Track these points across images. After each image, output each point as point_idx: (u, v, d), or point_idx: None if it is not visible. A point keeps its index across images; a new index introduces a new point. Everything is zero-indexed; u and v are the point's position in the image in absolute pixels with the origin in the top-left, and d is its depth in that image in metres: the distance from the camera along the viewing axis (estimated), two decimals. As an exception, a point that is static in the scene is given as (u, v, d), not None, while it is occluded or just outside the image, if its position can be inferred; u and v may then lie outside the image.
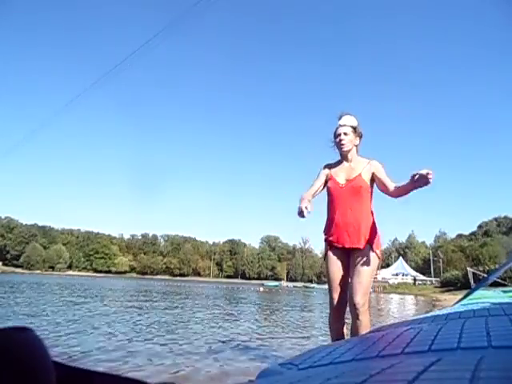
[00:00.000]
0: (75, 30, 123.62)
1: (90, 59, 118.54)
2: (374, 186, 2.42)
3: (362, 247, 2.28)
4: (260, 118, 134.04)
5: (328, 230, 2.43)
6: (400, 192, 2.20)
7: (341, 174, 2.42)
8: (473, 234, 70.82)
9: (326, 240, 2.44)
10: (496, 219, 71.93)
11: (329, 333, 2.50)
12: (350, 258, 2.35)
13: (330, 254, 2.39)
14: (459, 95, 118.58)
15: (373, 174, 2.37)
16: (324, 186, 2.48)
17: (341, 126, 2.40)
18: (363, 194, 2.34)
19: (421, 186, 1.98)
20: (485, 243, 50.36)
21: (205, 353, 3.18)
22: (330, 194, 2.44)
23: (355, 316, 2.23)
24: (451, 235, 76.44)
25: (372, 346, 0.90)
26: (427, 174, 1.89)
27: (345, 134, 2.37)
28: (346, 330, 2.39)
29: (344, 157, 2.45)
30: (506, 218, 69.58)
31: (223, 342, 3.82)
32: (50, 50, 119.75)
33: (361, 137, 2.44)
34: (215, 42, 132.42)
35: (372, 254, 2.29)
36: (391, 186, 2.28)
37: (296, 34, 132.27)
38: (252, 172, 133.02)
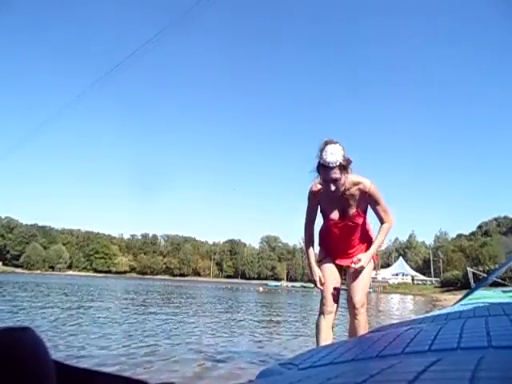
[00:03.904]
0: (75, 30, 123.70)
1: (89, 59, 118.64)
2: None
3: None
4: (260, 118, 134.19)
5: (324, 248, 2.43)
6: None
7: (334, 209, 2.23)
8: (473, 234, 70.80)
9: (320, 247, 2.46)
10: (496, 219, 71.92)
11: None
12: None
13: (325, 259, 2.40)
14: (458, 95, 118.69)
15: (368, 204, 2.25)
16: (317, 212, 2.37)
17: (327, 167, 2.00)
18: (361, 226, 2.29)
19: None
20: (485, 243, 50.36)
21: (204, 353, 3.18)
22: (325, 229, 2.38)
23: (353, 316, 2.24)
24: (451, 235, 76.52)
25: (372, 346, 0.90)
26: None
27: (335, 180, 2.03)
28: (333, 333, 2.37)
29: None
30: (505, 218, 69.54)
31: (223, 341, 3.82)
32: (50, 50, 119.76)
33: (350, 163, 2.10)
34: (215, 42, 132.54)
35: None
36: (384, 220, 2.25)
37: (296, 34, 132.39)
38: (252, 172, 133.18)
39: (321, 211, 2.34)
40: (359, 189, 2.14)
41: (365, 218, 2.31)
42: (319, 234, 2.47)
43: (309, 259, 2.38)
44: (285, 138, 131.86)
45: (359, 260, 2.17)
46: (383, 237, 2.28)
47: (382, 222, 2.25)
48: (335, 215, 2.24)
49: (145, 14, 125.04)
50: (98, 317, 5.44)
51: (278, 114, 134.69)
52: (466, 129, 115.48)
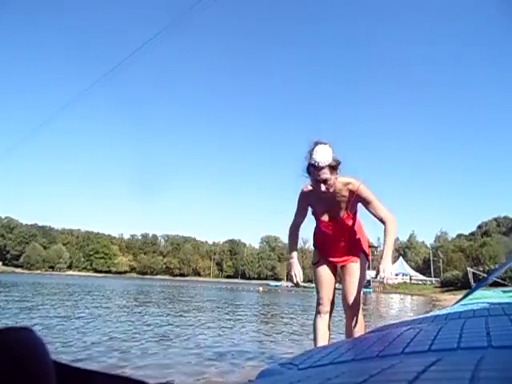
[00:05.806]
0: (75, 30, 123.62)
1: (89, 59, 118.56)
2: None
3: (355, 261, 2.31)
4: (260, 118, 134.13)
5: (318, 246, 2.42)
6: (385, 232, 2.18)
7: (324, 210, 2.25)
8: (473, 234, 70.75)
9: (315, 248, 2.46)
10: (496, 219, 71.85)
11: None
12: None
13: (321, 261, 2.40)
14: (459, 94, 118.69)
15: (360, 203, 2.21)
16: (305, 215, 2.37)
17: (316, 167, 2.01)
18: (352, 227, 2.29)
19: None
20: (485, 243, 50.29)
21: (205, 353, 3.18)
22: (318, 229, 2.38)
23: (349, 316, 2.25)
24: (451, 235, 76.51)
25: (372, 346, 0.90)
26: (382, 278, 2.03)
27: (325, 180, 2.03)
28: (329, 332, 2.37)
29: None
30: (505, 218, 69.45)
31: (223, 341, 3.82)
32: (50, 51, 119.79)
33: (339, 164, 2.09)
34: (215, 42, 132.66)
35: (362, 256, 2.34)
36: (382, 218, 2.15)
37: (296, 34, 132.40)
38: (252, 172, 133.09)
39: (312, 213, 2.34)
40: (348, 189, 2.14)
41: (355, 220, 2.29)
42: (314, 235, 2.47)
43: (290, 255, 2.35)
44: (285, 137, 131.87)
45: (383, 271, 2.04)
46: (392, 236, 2.15)
47: (381, 221, 2.16)
48: (326, 217, 2.25)
49: (145, 14, 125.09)
50: (98, 315, 5.44)
51: (277, 114, 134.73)
52: (466, 128, 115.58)
